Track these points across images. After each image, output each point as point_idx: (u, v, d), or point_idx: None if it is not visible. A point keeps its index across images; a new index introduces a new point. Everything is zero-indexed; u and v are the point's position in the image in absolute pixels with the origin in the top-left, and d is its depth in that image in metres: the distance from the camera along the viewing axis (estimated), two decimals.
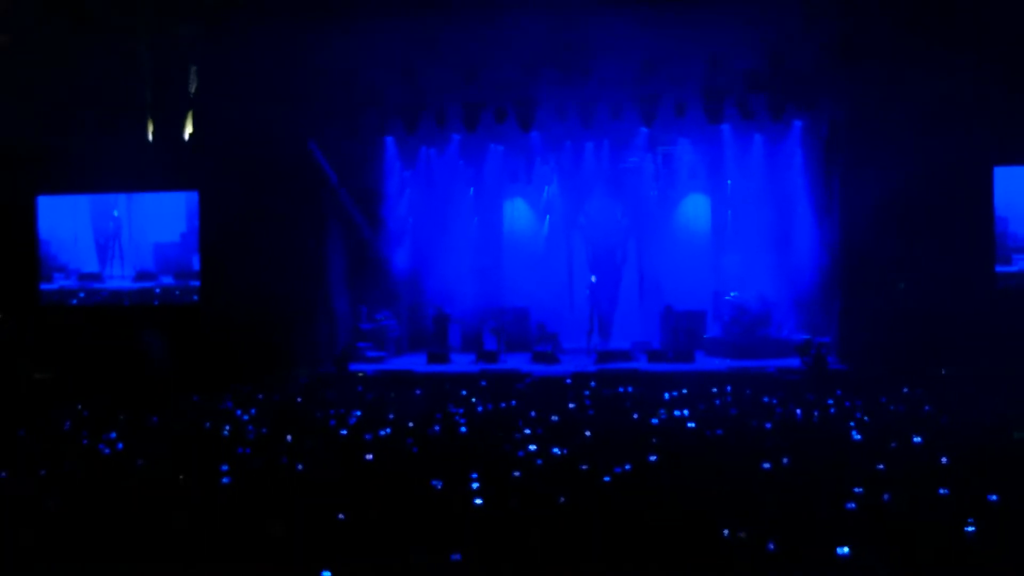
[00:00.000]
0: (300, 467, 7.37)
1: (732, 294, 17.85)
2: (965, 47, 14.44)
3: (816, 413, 10.18)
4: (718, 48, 15.22)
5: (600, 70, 15.64)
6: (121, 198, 17.99)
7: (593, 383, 13.61)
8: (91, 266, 18.15)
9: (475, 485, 6.44)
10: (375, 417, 10.44)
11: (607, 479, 6.60)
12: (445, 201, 19.78)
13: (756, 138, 18.21)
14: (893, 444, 7.85)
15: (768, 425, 9.17)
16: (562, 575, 4.88)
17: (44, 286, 18.12)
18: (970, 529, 5.22)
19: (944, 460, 7.02)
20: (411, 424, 9.72)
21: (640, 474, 6.85)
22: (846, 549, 4.78)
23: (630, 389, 12.73)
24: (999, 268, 15.78)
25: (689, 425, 9.27)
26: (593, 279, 17.67)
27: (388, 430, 9.33)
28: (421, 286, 19.54)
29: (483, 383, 13.82)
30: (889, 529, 5.31)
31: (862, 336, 15.39)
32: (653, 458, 7.35)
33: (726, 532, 5.18)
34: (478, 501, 6.02)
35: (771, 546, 4.95)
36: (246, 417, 10.79)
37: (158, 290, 17.94)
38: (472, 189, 19.99)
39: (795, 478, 6.62)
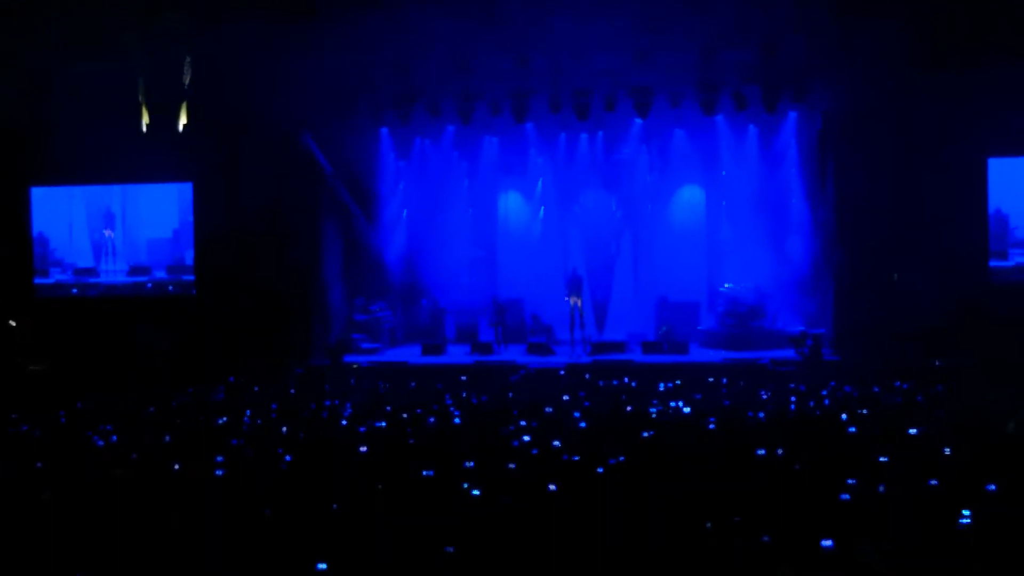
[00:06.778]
0: (288, 458, 7.35)
1: (727, 285, 17.87)
2: (959, 37, 14.43)
3: (811, 403, 10.21)
4: (711, 39, 15.18)
5: (594, 61, 15.61)
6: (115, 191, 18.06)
7: (587, 375, 13.62)
8: (86, 261, 18.15)
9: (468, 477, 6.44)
10: (369, 408, 10.44)
11: (600, 470, 6.60)
12: (440, 192, 19.75)
13: (750, 129, 18.18)
14: (886, 435, 7.86)
15: (761, 415, 9.18)
16: (556, 568, 4.88)
17: (39, 280, 18.09)
18: (964, 521, 5.23)
19: (938, 451, 7.03)
20: (405, 415, 9.72)
21: (633, 465, 6.85)
22: (830, 542, 4.77)
23: (625, 380, 12.74)
24: (994, 263, 15.88)
25: (685, 411, 9.29)
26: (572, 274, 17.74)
27: (384, 423, 9.34)
28: (416, 277, 19.53)
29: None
30: (883, 520, 5.32)
31: (857, 327, 15.41)
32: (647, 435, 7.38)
33: (708, 524, 5.18)
34: (475, 492, 6.02)
35: (764, 538, 4.96)
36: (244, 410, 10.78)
37: (149, 284, 17.94)
38: (467, 180, 19.96)
39: (788, 469, 6.63)
